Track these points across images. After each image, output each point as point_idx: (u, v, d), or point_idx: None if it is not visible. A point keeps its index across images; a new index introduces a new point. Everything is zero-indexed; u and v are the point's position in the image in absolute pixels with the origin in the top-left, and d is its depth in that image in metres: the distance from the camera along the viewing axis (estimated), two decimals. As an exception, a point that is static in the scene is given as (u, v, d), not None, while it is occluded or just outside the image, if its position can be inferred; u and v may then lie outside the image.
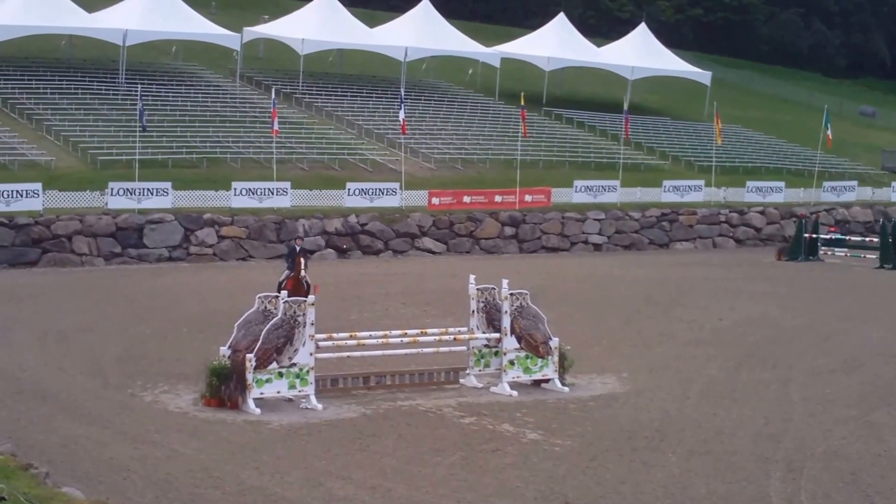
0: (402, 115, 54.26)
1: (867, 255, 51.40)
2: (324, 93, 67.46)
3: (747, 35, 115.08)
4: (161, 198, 47.29)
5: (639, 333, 30.69)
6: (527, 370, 23.38)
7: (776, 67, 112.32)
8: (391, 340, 23.25)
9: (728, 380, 24.76)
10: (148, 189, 47.26)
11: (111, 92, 59.02)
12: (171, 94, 60.36)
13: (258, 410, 20.72)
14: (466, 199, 54.24)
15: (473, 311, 23.35)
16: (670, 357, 27.32)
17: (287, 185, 50.53)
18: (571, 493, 16.54)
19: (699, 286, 41.04)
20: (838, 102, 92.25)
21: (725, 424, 20.73)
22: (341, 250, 49.75)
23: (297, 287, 29.19)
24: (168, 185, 47.80)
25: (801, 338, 30.47)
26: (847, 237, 55.93)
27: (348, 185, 52.02)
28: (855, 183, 67.09)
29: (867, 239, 54.70)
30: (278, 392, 21.21)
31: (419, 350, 23.42)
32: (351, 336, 23.02)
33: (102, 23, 61.82)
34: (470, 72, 76.76)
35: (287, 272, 30.84)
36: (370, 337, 23.25)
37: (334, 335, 22.53)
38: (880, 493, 16.77)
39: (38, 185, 45.13)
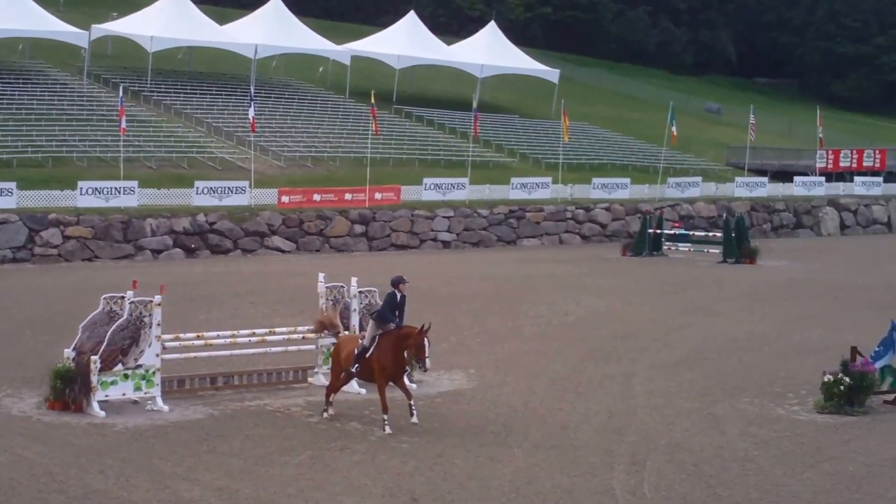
0: (251, 112, 54.06)
1: (710, 250, 52.45)
2: (173, 91, 66.83)
3: (596, 33, 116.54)
4: (5, 198, 46.53)
5: (486, 330, 30.95)
6: (375, 368, 23.39)
7: (624, 65, 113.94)
8: (239, 340, 23.14)
9: (574, 374, 25.10)
10: (-9, 189, 46.51)
11: (-46, 90, 57.92)
12: (16, 93, 59.32)
13: (103, 413, 20.47)
14: (316, 197, 54.18)
15: (322, 310, 23.34)
16: (517, 353, 27.61)
17: (134, 184, 49.99)
18: (419, 489, 16.65)
19: (546, 282, 41.50)
20: (684, 99, 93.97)
21: (571, 418, 21.02)
22: (189, 250, 49.35)
23: (398, 360, 20.25)
24: (13, 185, 47.02)
25: (645, 332, 30.99)
26: (691, 232, 56.99)
27: (197, 183, 51.62)
28: (699, 179, 68.39)
29: (711, 234, 55.78)
30: (124, 394, 20.97)
31: (267, 350, 23.35)
32: (198, 336, 22.85)
33: (-54, 21, 60.63)
34: (321, 70, 76.64)
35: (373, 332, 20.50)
36: (218, 337, 23.09)
37: (181, 336, 22.36)
38: (722, 484, 17.13)
39: None
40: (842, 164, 77.37)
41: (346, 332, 22.08)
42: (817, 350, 27.93)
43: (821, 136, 75.74)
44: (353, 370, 20.44)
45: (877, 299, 37.21)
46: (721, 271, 47.67)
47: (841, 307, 36.82)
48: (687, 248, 54.02)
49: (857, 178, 75.30)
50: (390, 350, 20.00)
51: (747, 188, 69.14)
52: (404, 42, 77.34)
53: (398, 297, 20.46)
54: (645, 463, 18.12)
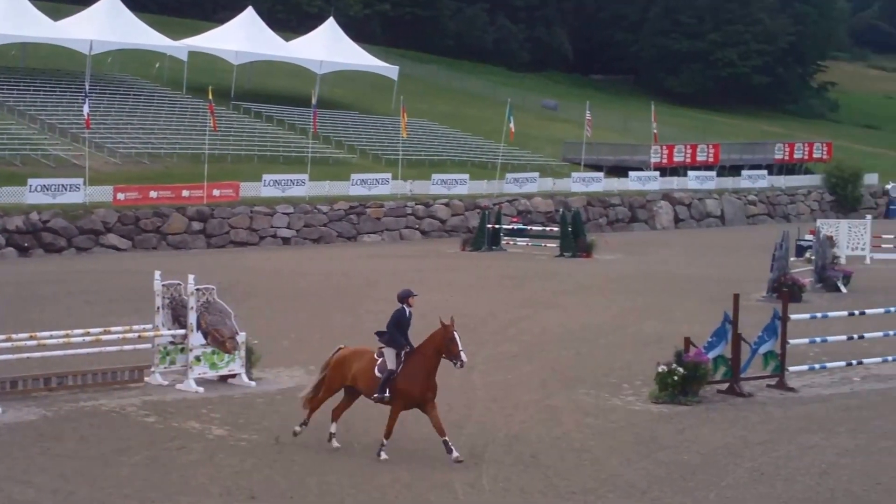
0: (86, 109, 53.27)
1: (548, 244, 53.05)
2: (5, 87, 65.50)
3: (434, 30, 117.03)
4: None
5: (327, 326, 30.87)
6: (213, 366, 23.22)
7: (462, 62, 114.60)
8: (73, 340, 22.72)
9: (414, 369, 25.13)
10: None
11: None
12: None
13: (-67, 416, 20.00)
14: (153, 194, 53.57)
15: (159, 308, 23.07)
16: (357, 348, 27.55)
17: (-35, 182, 48.92)
18: (257, 487, 16.54)
19: (386, 278, 41.51)
20: (522, 96, 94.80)
21: (409, 413, 21.03)
22: (22, 249, 48.40)
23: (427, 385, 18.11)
24: None
25: (484, 325, 31.20)
26: (529, 227, 57.59)
27: (30, 181, 50.71)
28: (536, 174, 69.13)
29: (548, 228, 56.43)
30: (-46, 396, 20.51)
31: (102, 349, 22.98)
32: (31, 336, 22.40)
33: None
34: (157, 65, 75.71)
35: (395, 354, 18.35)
36: (51, 337, 22.67)
37: (13, 336, 21.90)
38: (559, 475, 17.31)
39: None
40: (676, 159, 78.86)
41: (344, 346, 19.38)
42: (652, 341, 28.41)
43: (655, 131, 77.14)
44: (384, 396, 17.98)
45: (710, 291, 37.94)
46: (558, 265, 48.23)
47: (675, 299, 37.50)
48: (525, 243, 54.57)
49: (690, 173, 76.86)
50: (423, 371, 17.89)
51: (583, 183, 70.07)
52: (242, 38, 76.86)
53: (408, 313, 18.50)
54: (483, 455, 18.25)
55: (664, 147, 78.69)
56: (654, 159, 77.15)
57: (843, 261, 47.75)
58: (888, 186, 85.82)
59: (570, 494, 16.43)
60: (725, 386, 23.01)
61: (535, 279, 42.85)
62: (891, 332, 26.54)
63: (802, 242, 49.39)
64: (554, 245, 52.39)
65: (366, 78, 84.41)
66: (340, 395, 18.92)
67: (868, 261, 50.83)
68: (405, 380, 17.93)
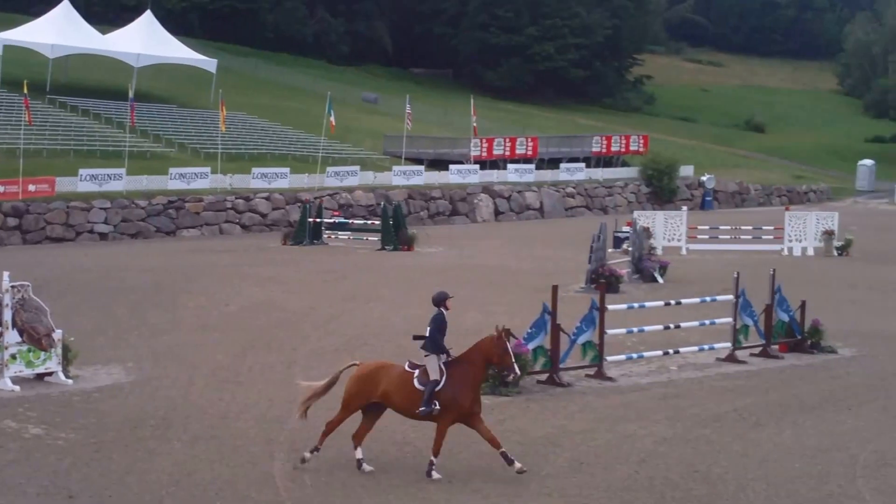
0: None
1: (369, 238, 53.09)
2: None
3: (253, 23, 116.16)
4: None
5: (145, 322, 30.46)
6: (29, 364, 22.71)
7: (282, 55, 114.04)
8: None
9: (234, 365, 24.98)
10: None
11: None
12: None
13: None
14: (-35, 190, 52.22)
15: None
16: (177, 344, 27.27)
17: None
18: (75, 486, 16.27)
19: (206, 273, 41.15)
20: (342, 89, 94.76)
21: (231, 409, 20.92)
22: None
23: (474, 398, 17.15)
24: None
25: (306, 320, 31.12)
26: (350, 220, 57.56)
27: None
28: (357, 168, 69.07)
29: (369, 222, 56.45)
30: None
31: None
32: None
33: None
34: (-31, 59, 73.86)
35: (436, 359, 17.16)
36: None
37: None
38: (381, 469, 17.37)
39: None
40: (495, 152, 79.55)
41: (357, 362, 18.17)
42: (473, 332, 28.46)
43: (475, 124, 77.71)
44: (432, 409, 16.80)
45: (529, 283, 38.38)
46: (380, 258, 48.30)
47: (495, 291, 37.84)
48: (346, 237, 54.49)
49: (510, 166, 77.57)
50: (470, 381, 16.95)
51: (404, 176, 70.25)
52: (58, 31, 75.39)
53: (445, 316, 17.42)
54: (305, 450, 18.19)
55: (484, 140, 79.34)
56: (473, 152, 77.74)
57: (659, 252, 48.78)
58: (703, 178, 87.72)
59: (392, 488, 16.49)
60: (545, 376, 23.32)
61: (357, 273, 42.84)
62: (706, 322, 27.18)
63: (620, 234, 50.26)
64: (375, 238, 52.43)
65: (184, 71, 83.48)
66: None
67: (684, 251, 51.96)
68: (454, 390, 16.79)
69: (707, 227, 56.31)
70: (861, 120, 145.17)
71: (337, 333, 29.27)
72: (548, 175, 79.38)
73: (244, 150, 70.39)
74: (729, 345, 26.60)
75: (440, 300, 17.50)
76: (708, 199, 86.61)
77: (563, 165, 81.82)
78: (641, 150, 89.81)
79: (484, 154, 78.47)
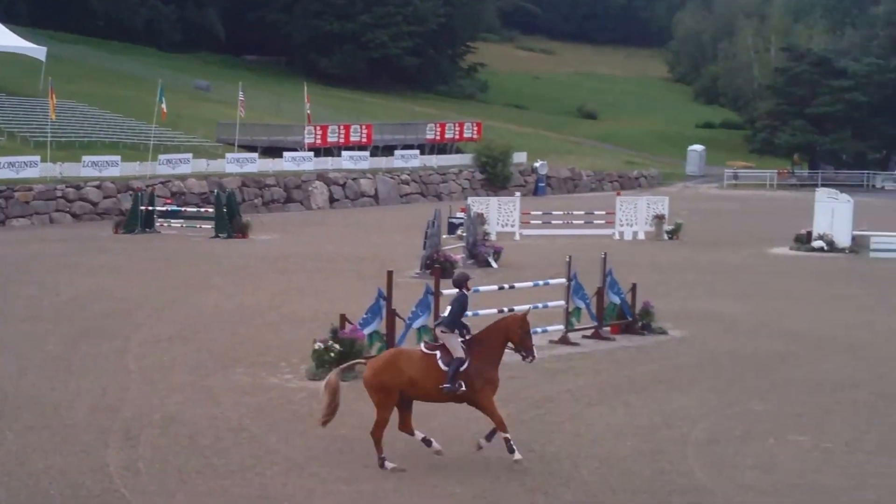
0: None
1: (203, 226, 52.62)
2: None
3: (83, 10, 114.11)
4: None
5: (-27, 313, 29.84)
6: None
7: (113, 43, 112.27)
8: None
9: (66, 354, 24.58)
10: None
11: None
12: None
13: None
14: None
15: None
16: (6, 335, 26.74)
17: None
18: None
19: (37, 262, 40.43)
20: (174, 77, 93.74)
21: (63, 398, 20.59)
22: None
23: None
24: None
25: (139, 308, 30.75)
26: (183, 208, 57.04)
27: None
28: (190, 155, 68.42)
29: (203, 209, 55.98)
30: None
31: None
32: None
33: None
34: None
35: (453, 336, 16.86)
36: None
37: None
38: (217, 454, 17.26)
39: None
40: (330, 140, 79.48)
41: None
42: (309, 319, 28.57)
43: (308, 112, 77.53)
44: (456, 388, 16.49)
45: (364, 269, 38.45)
46: (213, 246, 47.93)
47: (331, 278, 37.84)
48: (179, 225, 53.95)
49: (344, 153, 77.56)
50: (492, 360, 16.76)
51: (238, 164, 69.77)
52: None
53: (467, 297, 17.28)
54: (139, 438, 18.02)
55: (318, 128, 79.18)
56: (308, 140, 77.52)
57: (493, 237, 49.28)
58: (536, 164, 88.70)
59: (228, 473, 16.41)
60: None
61: (190, 261, 42.46)
62: (539, 305, 27.47)
63: (454, 220, 50.56)
64: (209, 227, 51.98)
65: (12, 59, 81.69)
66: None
67: (517, 237, 52.55)
68: (481, 367, 16.54)
69: (540, 213, 56.95)
70: (691, 106, 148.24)
71: (170, 322, 28.98)
72: (382, 162, 79.52)
73: (74, 139, 69.20)
74: (562, 327, 26.95)
75: (462, 281, 17.47)
76: (541, 185, 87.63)
77: (397, 152, 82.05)
78: (475, 137, 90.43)
79: (318, 141, 78.29)
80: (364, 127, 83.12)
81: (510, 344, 17.01)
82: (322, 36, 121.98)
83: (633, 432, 18.74)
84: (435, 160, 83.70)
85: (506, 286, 27.82)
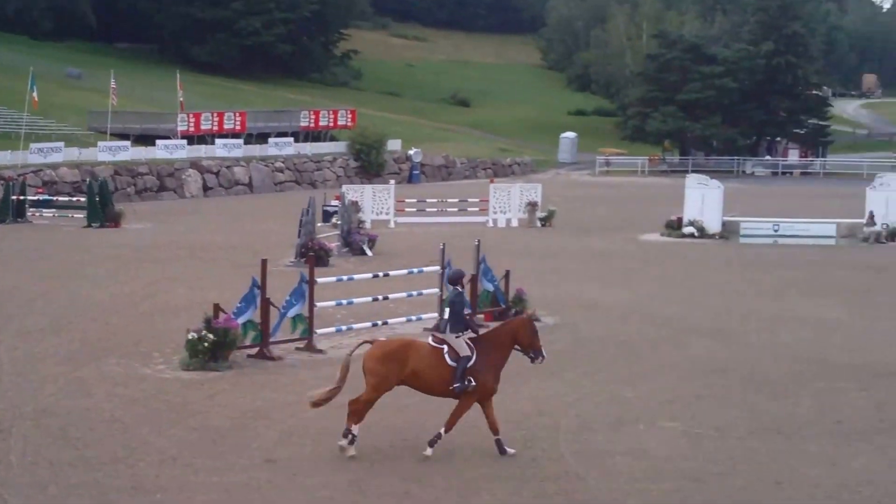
0: None
1: (75, 215, 51.96)
2: None
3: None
4: None
5: None
6: None
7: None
8: None
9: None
10: None
11: None
12: None
13: None
14: None
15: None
16: None
17: None
18: None
19: None
20: (45, 65, 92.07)
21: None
22: None
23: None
24: None
25: (9, 299, 30.28)
26: (55, 198, 56.26)
27: None
28: (62, 144, 67.35)
29: (75, 199, 55.27)
30: None
31: None
32: None
33: None
34: None
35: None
36: None
37: None
38: (89, 446, 17.13)
39: None
40: (203, 128, 78.85)
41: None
42: (182, 309, 28.39)
43: (181, 99, 76.82)
44: (466, 386, 16.52)
45: (239, 258, 38.28)
46: (86, 236, 47.37)
47: (204, 267, 37.63)
48: (51, 214, 53.22)
49: (218, 141, 76.98)
50: (497, 361, 16.84)
51: (110, 152, 68.88)
52: None
53: (463, 294, 17.21)
54: (11, 430, 17.81)
55: (191, 115, 78.50)
56: (181, 128, 76.82)
57: (368, 225, 49.31)
58: (411, 152, 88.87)
59: (100, 465, 16.30)
60: (255, 350, 23.33)
61: (63, 251, 41.92)
62: (414, 293, 27.66)
63: (329, 208, 50.49)
64: (81, 216, 51.33)
65: None
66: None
67: (392, 224, 52.66)
68: (483, 369, 16.58)
69: (415, 201, 57.10)
70: (564, 93, 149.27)
71: (42, 313, 28.62)
72: (256, 150, 79.07)
73: (-59, 127, 67.93)
74: (436, 315, 27.09)
75: (457, 279, 17.37)
76: (415, 172, 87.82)
77: (271, 140, 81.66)
78: (349, 124, 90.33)
79: (191, 129, 77.63)
80: (238, 114, 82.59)
81: (517, 346, 17.01)
82: (194, 24, 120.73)
83: (506, 419, 18.87)
84: (309, 148, 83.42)
85: (380, 274, 27.91)
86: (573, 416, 19.35)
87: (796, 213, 55.70)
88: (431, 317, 26.99)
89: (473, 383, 16.51)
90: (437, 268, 27.32)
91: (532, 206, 54.96)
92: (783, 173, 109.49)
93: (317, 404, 17.02)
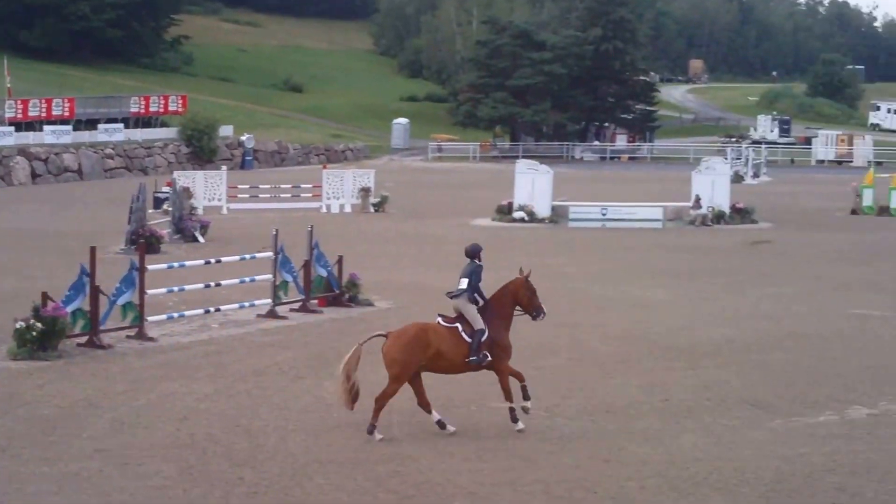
0: None
1: None
2: None
3: None
4: None
5: None
6: None
7: None
8: None
9: None
10: None
11: None
12: None
13: None
14: None
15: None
16: None
17: None
18: None
19: None
20: None
21: None
22: None
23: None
24: None
25: None
26: None
27: None
28: None
29: None
30: None
31: None
32: None
33: None
34: None
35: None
36: None
37: None
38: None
39: None
40: (31, 114, 77.18)
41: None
42: (10, 298, 27.87)
43: (9, 85, 75.24)
44: (483, 360, 17.41)
45: (68, 246, 37.64)
46: None
47: (33, 255, 37.03)
48: None
49: (46, 127, 75.54)
50: (504, 324, 17.76)
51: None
52: None
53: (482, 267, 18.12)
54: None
55: (19, 101, 76.85)
56: (8, 114, 75.14)
57: (200, 211, 48.92)
58: (243, 138, 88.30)
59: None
60: (85, 339, 23.05)
61: None
62: (246, 279, 27.60)
63: (160, 194, 50.00)
64: None
65: None
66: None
67: (225, 211, 52.31)
68: (497, 335, 17.45)
69: (247, 187, 56.78)
70: (396, 79, 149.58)
71: None
72: (86, 136, 77.78)
73: None
74: (269, 301, 27.08)
75: (476, 252, 18.05)
76: (248, 158, 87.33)
77: (101, 126, 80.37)
78: (181, 110, 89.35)
79: (19, 115, 75.96)
80: (66, 101, 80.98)
81: (518, 308, 17.84)
82: (21, 8, 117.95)
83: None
84: (140, 134, 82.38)
85: (213, 261, 27.80)
86: (406, 398, 19.49)
87: (624, 197, 56.76)
88: (265, 303, 26.99)
89: (489, 358, 17.35)
90: (270, 254, 27.28)
91: (365, 191, 55.06)
92: (611, 158, 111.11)
93: (350, 403, 17.32)
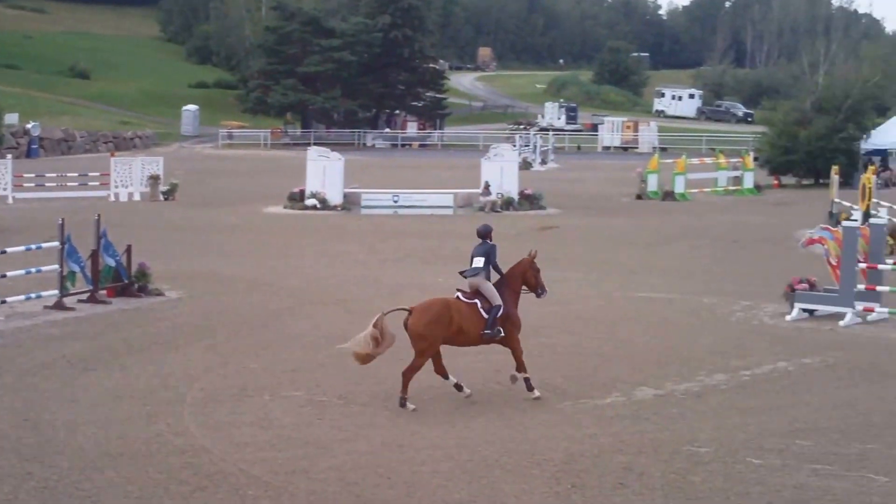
0: None
1: None
2: None
3: None
4: None
5: None
6: None
7: None
8: None
9: None
10: None
11: None
12: None
13: None
14: None
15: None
16: None
17: None
18: None
19: None
20: None
21: None
22: None
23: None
24: None
25: None
26: None
27: None
28: None
29: None
30: None
31: None
32: None
33: None
34: None
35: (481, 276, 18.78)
36: None
37: None
38: None
39: None
40: None
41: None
42: None
43: None
44: (497, 333, 18.50)
45: None
46: None
47: None
48: None
49: None
50: (514, 300, 18.84)
51: None
52: None
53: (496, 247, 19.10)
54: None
55: None
56: None
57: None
58: (29, 126, 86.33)
59: None
60: None
61: None
62: (33, 270, 27.02)
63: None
64: None
65: None
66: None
67: (10, 200, 51.15)
68: (508, 310, 18.53)
69: (33, 175, 55.58)
70: (184, 66, 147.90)
71: None
72: None
73: None
74: (56, 292, 26.58)
75: (487, 233, 18.95)
76: (34, 146, 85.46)
77: None
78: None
79: None
80: None
81: (524, 286, 18.96)
82: None
83: (130, 395, 18.82)
84: None
85: (-3, 252, 27.15)
86: (198, 389, 19.38)
87: (416, 184, 57.17)
88: (52, 294, 26.46)
89: (502, 333, 18.44)
90: (57, 243, 26.75)
91: (154, 179, 54.36)
92: (402, 145, 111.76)
93: (364, 359, 18.31)
